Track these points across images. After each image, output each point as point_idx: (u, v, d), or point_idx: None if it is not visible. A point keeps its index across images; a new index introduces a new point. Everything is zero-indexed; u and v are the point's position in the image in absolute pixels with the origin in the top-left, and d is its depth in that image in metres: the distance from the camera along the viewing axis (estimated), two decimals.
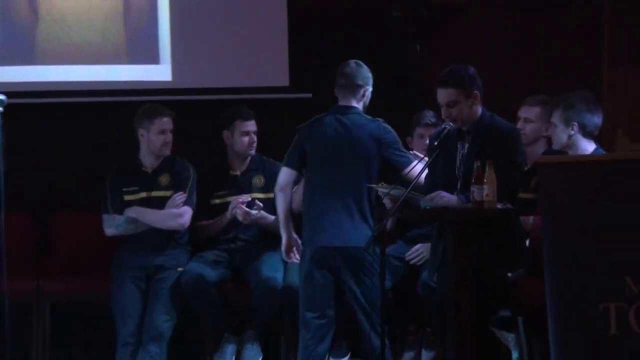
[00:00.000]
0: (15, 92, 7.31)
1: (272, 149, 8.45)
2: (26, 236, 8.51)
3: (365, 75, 7.65)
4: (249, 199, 8.26)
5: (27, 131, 8.24)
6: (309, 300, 7.61)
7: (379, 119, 7.66)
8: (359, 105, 7.65)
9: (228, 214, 8.25)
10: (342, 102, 7.68)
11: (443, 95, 6.93)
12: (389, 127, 7.68)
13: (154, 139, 8.15)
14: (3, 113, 6.56)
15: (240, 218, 8.18)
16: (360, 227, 7.56)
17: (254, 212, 8.12)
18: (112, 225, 8.17)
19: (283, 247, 7.73)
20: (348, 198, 7.59)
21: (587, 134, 7.01)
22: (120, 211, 8.16)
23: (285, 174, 7.65)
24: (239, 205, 8.17)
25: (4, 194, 6.50)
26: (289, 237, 7.69)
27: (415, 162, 7.38)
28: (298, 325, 7.98)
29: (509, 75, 8.48)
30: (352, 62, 7.68)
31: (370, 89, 7.63)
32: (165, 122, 8.15)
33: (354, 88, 7.63)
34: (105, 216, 8.18)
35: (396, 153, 7.59)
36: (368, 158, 7.60)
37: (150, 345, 7.92)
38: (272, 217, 8.19)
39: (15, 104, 6.79)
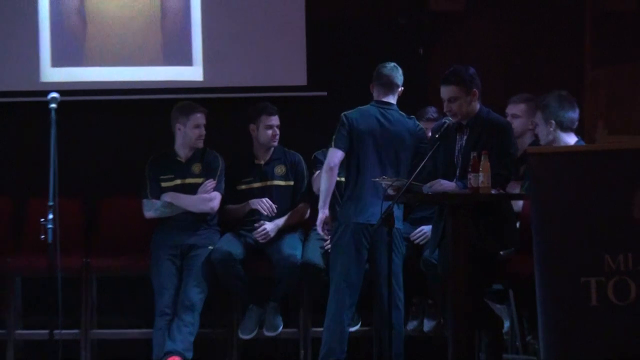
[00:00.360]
0: (66, 90, 7.35)
1: (291, 142, 8.47)
2: (76, 218, 8.49)
3: (401, 77, 7.66)
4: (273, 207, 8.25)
5: (76, 125, 8.26)
6: (346, 272, 7.52)
7: (412, 116, 7.70)
8: (395, 102, 7.66)
9: (252, 205, 8.24)
10: (382, 98, 7.64)
11: (445, 91, 6.96)
12: (419, 124, 7.73)
13: (190, 133, 8.18)
14: (57, 109, 6.60)
15: (264, 212, 8.20)
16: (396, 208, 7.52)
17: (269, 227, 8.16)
18: (151, 209, 8.21)
19: (319, 222, 7.57)
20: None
21: (566, 129, 7.05)
22: (157, 196, 8.19)
23: (336, 155, 7.48)
24: (264, 204, 8.21)
25: (57, 181, 6.60)
26: (326, 214, 7.56)
27: None
28: (314, 296, 8.11)
29: (500, 75, 8.47)
30: (391, 64, 7.68)
31: (402, 89, 7.65)
32: (200, 118, 8.18)
33: (393, 87, 7.64)
34: (144, 201, 8.21)
35: (425, 147, 7.55)
36: (405, 149, 7.60)
37: (184, 315, 7.93)
38: (282, 220, 8.25)
39: (67, 101, 6.85)
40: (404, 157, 7.63)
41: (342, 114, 7.56)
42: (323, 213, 7.57)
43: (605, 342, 5.78)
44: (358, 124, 7.53)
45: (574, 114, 7.09)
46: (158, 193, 8.20)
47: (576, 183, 6.02)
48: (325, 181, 7.53)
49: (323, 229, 7.60)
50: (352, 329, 7.96)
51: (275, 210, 8.23)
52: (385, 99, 7.66)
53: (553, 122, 7.01)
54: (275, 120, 8.31)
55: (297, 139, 8.54)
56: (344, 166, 7.63)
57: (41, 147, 6.74)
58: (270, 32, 9.04)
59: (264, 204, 8.22)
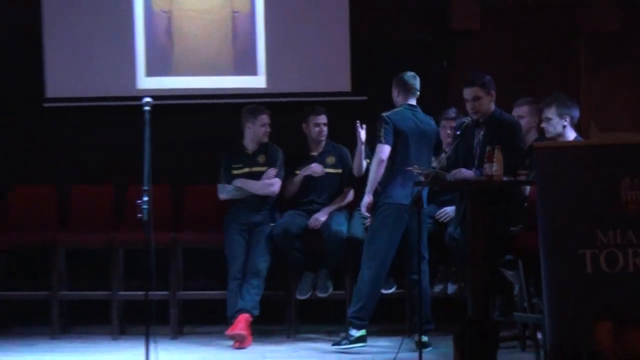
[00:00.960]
0: (157, 95, 7.33)
1: (338, 137, 8.49)
2: (166, 201, 8.56)
3: (419, 84, 7.70)
4: (321, 168, 8.29)
5: (165, 125, 8.27)
6: (387, 244, 7.56)
7: (429, 115, 7.77)
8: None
9: (305, 172, 8.26)
10: (410, 102, 7.66)
11: (469, 92, 7.01)
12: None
13: (257, 130, 8.23)
14: (150, 111, 6.62)
15: (316, 175, 8.24)
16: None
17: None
18: (224, 192, 8.25)
19: (365, 204, 7.57)
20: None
21: (573, 125, 7.07)
22: (229, 182, 8.23)
23: (386, 150, 7.46)
24: (313, 168, 8.23)
25: (150, 170, 6.66)
26: (371, 198, 7.56)
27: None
28: (357, 264, 7.98)
29: (508, 81, 8.40)
30: (411, 73, 7.71)
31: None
32: (265, 118, 8.23)
33: (415, 92, 7.66)
34: (219, 185, 8.25)
35: (438, 142, 7.73)
36: (430, 144, 7.70)
37: (252, 279, 8.00)
38: (331, 208, 8.27)
39: (158, 105, 6.80)
40: (429, 150, 7.70)
41: (384, 115, 7.57)
42: (369, 197, 7.57)
43: (597, 302, 5.75)
44: (398, 123, 7.54)
45: (577, 113, 7.12)
46: (230, 179, 8.23)
47: (574, 172, 5.98)
48: (375, 171, 7.53)
49: (368, 210, 7.62)
50: (388, 292, 8.02)
51: (323, 170, 8.26)
52: (412, 102, 7.68)
53: (568, 117, 7.01)
54: (322, 119, 8.32)
55: (343, 135, 8.54)
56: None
57: (137, 143, 6.72)
58: (320, 47, 9.04)
59: (314, 168, 8.26)
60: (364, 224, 7.95)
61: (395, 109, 7.68)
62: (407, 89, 7.70)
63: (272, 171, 8.25)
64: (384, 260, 7.61)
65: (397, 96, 7.75)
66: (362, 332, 7.61)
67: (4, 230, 8.58)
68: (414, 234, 7.49)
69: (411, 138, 7.58)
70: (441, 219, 7.98)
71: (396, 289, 8.12)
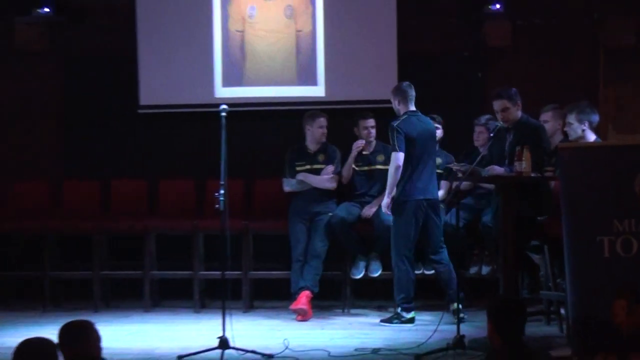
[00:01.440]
0: (232, 103, 7.34)
1: (387, 138, 8.34)
2: (239, 193, 8.48)
3: (415, 92, 7.66)
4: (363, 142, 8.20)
5: (239, 128, 8.24)
6: (414, 236, 7.53)
7: (428, 116, 7.77)
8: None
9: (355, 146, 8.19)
10: (412, 108, 7.58)
11: (498, 104, 6.96)
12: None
13: (316, 132, 8.21)
14: (225, 117, 6.68)
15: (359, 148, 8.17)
16: (436, 187, 7.64)
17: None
18: (288, 185, 8.24)
19: (386, 204, 7.50)
20: (432, 168, 7.62)
21: (592, 128, 7.01)
22: (293, 176, 8.22)
23: (402, 157, 7.41)
24: (357, 144, 8.17)
25: (226, 167, 6.68)
26: (390, 199, 7.53)
27: None
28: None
29: (536, 91, 8.36)
30: (408, 83, 7.66)
31: None
32: (322, 121, 8.20)
33: (413, 99, 7.60)
34: (284, 179, 8.25)
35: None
36: (435, 142, 7.70)
37: (312, 261, 7.99)
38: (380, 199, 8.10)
39: (232, 111, 6.86)
40: (434, 147, 7.70)
41: (395, 125, 7.48)
42: (389, 199, 7.51)
43: (613, 282, 5.68)
44: (408, 130, 7.47)
45: (597, 118, 7.07)
46: (294, 174, 8.22)
47: (593, 169, 5.96)
48: (394, 176, 7.45)
49: (389, 209, 7.54)
50: (430, 272, 7.96)
51: (363, 142, 8.15)
52: (414, 108, 7.60)
53: (587, 122, 6.96)
54: (369, 122, 8.23)
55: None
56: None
57: (214, 144, 6.77)
58: (371, 61, 8.97)
59: (357, 144, 8.18)
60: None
61: (402, 118, 7.56)
62: (406, 97, 7.61)
63: (330, 168, 8.22)
64: (412, 251, 7.58)
65: (397, 105, 7.63)
66: (412, 314, 7.58)
67: (105, 218, 8.66)
68: (438, 225, 7.53)
69: (419, 141, 7.51)
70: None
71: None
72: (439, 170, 7.99)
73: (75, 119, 9.30)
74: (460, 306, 6.89)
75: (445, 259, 7.59)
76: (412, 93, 7.60)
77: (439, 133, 8.14)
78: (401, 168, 7.46)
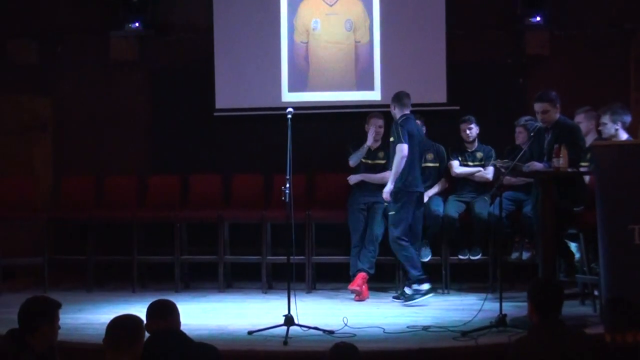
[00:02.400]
0: (297, 107, 7.35)
1: (437, 137, 8.38)
2: (302, 186, 8.43)
3: (410, 99, 7.76)
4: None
5: (303, 129, 8.15)
6: (410, 221, 7.59)
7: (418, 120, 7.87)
8: None
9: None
10: (406, 112, 7.65)
11: (539, 106, 6.84)
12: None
13: (374, 132, 8.13)
14: (291, 119, 6.68)
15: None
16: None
17: None
18: (353, 159, 8.09)
19: (389, 191, 7.51)
20: (421, 164, 7.73)
21: (624, 128, 6.88)
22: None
23: (406, 148, 7.51)
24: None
25: (291, 163, 6.67)
26: (392, 187, 7.54)
27: None
28: (450, 236, 7.99)
29: (572, 94, 8.19)
30: (405, 92, 7.75)
31: None
32: (378, 122, 8.12)
33: (409, 105, 7.72)
34: (350, 157, 8.11)
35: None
36: (424, 144, 7.79)
37: (370, 246, 7.93)
38: (431, 192, 8.11)
39: (297, 114, 6.87)
40: (422, 147, 7.78)
41: (398, 123, 7.55)
42: (392, 186, 7.52)
43: None
44: (409, 127, 7.55)
45: (629, 119, 6.94)
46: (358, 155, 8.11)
47: (625, 164, 5.90)
48: (398, 165, 7.48)
49: (391, 196, 7.55)
50: (475, 257, 7.97)
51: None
52: (408, 112, 7.64)
53: (620, 122, 6.83)
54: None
55: (440, 136, 8.45)
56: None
57: (281, 143, 6.76)
58: (423, 68, 8.90)
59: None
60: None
61: (402, 118, 7.63)
62: (403, 104, 7.69)
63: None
64: (414, 234, 7.64)
65: (394, 109, 7.72)
66: (428, 285, 7.54)
67: (185, 208, 8.69)
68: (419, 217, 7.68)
69: (415, 139, 7.58)
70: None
71: (481, 256, 8.00)
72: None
73: (160, 121, 9.38)
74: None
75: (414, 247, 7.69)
76: (407, 101, 7.68)
77: (475, 130, 8.17)
78: (405, 158, 7.51)
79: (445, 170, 8.33)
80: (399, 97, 7.73)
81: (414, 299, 7.49)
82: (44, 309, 4.41)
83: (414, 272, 7.56)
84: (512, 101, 8.83)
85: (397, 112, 7.70)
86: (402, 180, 7.57)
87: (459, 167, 8.23)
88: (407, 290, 7.62)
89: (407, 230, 7.61)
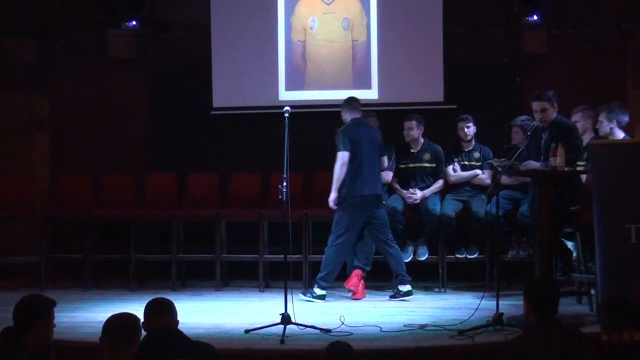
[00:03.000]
0: (294, 105, 7.33)
1: (433, 137, 8.36)
2: (299, 186, 8.38)
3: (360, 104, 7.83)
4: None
5: (300, 128, 8.06)
6: (354, 228, 7.60)
7: (373, 127, 7.86)
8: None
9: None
10: (356, 116, 7.70)
11: (538, 105, 6.80)
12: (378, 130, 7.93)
13: None
14: (288, 117, 6.66)
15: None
16: (378, 183, 7.72)
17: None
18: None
19: (333, 199, 7.51)
20: (372, 167, 7.69)
21: (620, 127, 6.88)
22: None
23: (346, 156, 7.53)
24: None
25: (288, 162, 6.67)
26: (336, 194, 7.56)
27: None
28: (447, 236, 7.98)
29: (569, 93, 8.17)
30: (354, 97, 7.86)
31: None
32: (372, 120, 8.07)
33: (359, 109, 7.77)
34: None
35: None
36: (377, 145, 7.77)
37: (367, 242, 7.83)
38: (428, 191, 8.08)
39: (294, 112, 6.85)
40: (376, 150, 7.73)
41: (340, 130, 7.61)
42: (335, 194, 7.49)
43: (639, 266, 5.61)
44: (352, 134, 7.59)
45: (626, 118, 6.95)
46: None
47: (621, 163, 5.85)
48: (339, 173, 7.47)
49: (335, 203, 7.55)
50: (472, 257, 7.97)
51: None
52: (356, 116, 7.67)
53: (615, 121, 6.85)
54: (407, 124, 8.19)
55: (437, 135, 8.44)
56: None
57: (278, 141, 6.74)
58: (420, 67, 8.91)
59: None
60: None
61: (347, 124, 7.66)
62: (352, 107, 7.75)
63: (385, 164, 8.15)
64: (348, 239, 7.61)
65: (345, 114, 7.75)
66: (324, 292, 7.60)
67: (182, 207, 8.68)
68: (378, 217, 7.60)
69: (363, 144, 7.57)
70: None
71: (478, 254, 7.99)
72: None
73: (158, 120, 9.37)
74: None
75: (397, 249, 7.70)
76: (356, 104, 7.74)
77: (472, 129, 8.12)
78: (346, 166, 7.52)
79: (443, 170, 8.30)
80: (348, 102, 7.78)
81: (305, 295, 7.57)
82: (40, 307, 4.40)
83: (321, 272, 7.64)
84: (509, 100, 8.82)
85: (347, 117, 7.72)
86: (348, 186, 7.57)
87: (455, 175, 8.21)
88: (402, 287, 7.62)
89: (346, 235, 7.58)
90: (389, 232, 7.69)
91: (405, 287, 7.62)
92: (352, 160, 7.58)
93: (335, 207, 7.60)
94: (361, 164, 7.58)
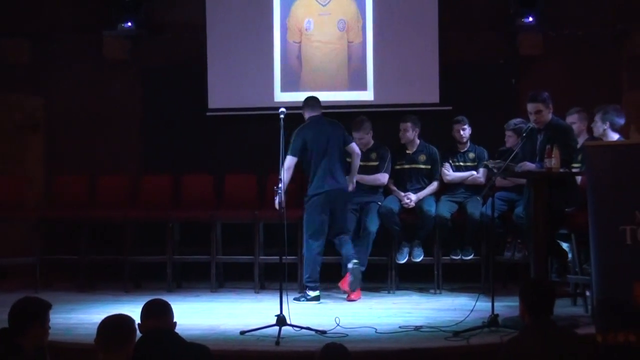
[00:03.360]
0: (289, 106, 7.30)
1: (429, 138, 8.37)
2: (294, 187, 8.11)
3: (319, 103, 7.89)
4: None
5: (295, 129, 8.20)
6: (323, 223, 7.63)
7: (334, 120, 7.88)
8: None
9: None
10: (315, 114, 7.77)
11: (532, 107, 6.81)
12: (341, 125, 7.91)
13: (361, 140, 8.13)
14: (284, 118, 6.65)
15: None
16: (339, 178, 7.73)
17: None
18: None
19: (280, 201, 6.92)
20: (332, 164, 7.71)
21: (614, 129, 6.90)
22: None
23: (290, 160, 7.55)
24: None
25: (283, 162, 6.67)
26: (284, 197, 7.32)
27: None
28: (442, 237, 7.99)
29: (564, 95, 8.20)
30: (314, 96, 7.90)
31: None
32: (367, 127, 8.14)
33: (317, 107, 7.82)
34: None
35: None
36: (338, 141, 7.78)
37: (364, 239, 7.92)
38: (422, 193, 8.10)
39: (290, 113, 6.85)
40: (338, 145, 7.73)
41: (295, 131, 7.60)
42: (284, 196, 7.14)
43: (634, 267, 5.60)
44: (305, 135, 7.62)
45: (621, 120, 6.99)
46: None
47: (616, 164, 5.83)
48: (286, 176, 7.28)
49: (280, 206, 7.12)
50: (467, 258, 7.97)
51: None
52: (315, 114, 7.74)
53: (608, 122, 6.88)
54: (402, 126, 8.19)
55: (432, 136, 8.44)
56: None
57: (274, 142, 6.77)
58: (415, 68, 8.90)
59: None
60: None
61: (303, 124, 7.72)
62: (310, 105, 7.79)
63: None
64: (319, 237, 7.65)
65: (305, 113, 7.81)
66: (317, 292, 7.62)
67: (177, 208, 8.67)
68: (343, 211, 7.69)
69: (319, 142, 7.63)
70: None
71: (473, 256, 8.00)
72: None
73: (153, 121, 9.36)
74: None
75: (344, 244, 7.70)
76: (313, 103, 7.80)
77: (468, 131, 8.16)
78: (291, 169, 7.53)
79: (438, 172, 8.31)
80: (306, 100, 7.86)
81: (300, 301, 7.57)
82: (35, 310, 4.39)
83: (305, 275, 7.67)
84: (505, 102, 8.83)
85: (306, 115, 7.80)
86: (310, 186, 7.67)
87: (451, 174, 8.22)
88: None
89: (317, 232, 7.65)
90: (344, 235, 7.77)
91: (312, 292, 7.66)
92: (308, 161, 7.65)
93: (282, 210, 7.11)
94: (317, 163, 7.64)
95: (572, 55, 8.93)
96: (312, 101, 7.84)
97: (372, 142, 8.23)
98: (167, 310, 4.43)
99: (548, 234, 6.56)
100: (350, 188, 7.86)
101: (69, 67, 9.38)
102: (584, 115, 7.44)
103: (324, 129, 7.73)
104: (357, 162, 7.89)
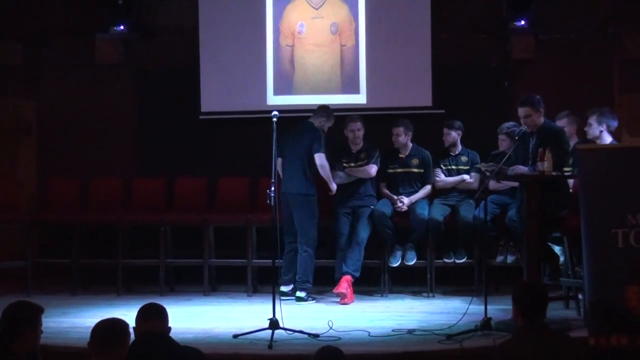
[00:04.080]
0: (282, 110, 7.32)
1: (422, 142, 8.37)
2: None
3: None
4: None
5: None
6: (288, 226, 7.80)
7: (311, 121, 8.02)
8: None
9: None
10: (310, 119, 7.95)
11: (522, 111, 6.83)
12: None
13: (348, 134, 8.20)
14: (276, 122, 6.67)
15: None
16: (298, 181, 7.85)
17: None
18: (337, 178, 8.07)
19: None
20: (295, 167, 7.87)
21: (609, 131, 6.92)
22: (341, 169, 8.14)
23: (279, 162, 7.72)
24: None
25: (276, 166, 6.65)
26: None
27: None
28: (436, 240, 7.99)
29: (556, 98, 8.22)
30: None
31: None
32: (357, 125, 8.12)
33: None
34: (334, 172, 8.10)
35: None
36: (305, 140, 7.91)
37: (355, 247, 7.90)
38: (415, 197, 8.11)
39: (282, 117, 6.86)
40: (304, 143, 7.84)
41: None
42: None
43: (627, 270, 5.62)
44: (282, 139, 7.51)
45: (615, 123, 7.02)
46: (341, 166, 8.13)
47: (608, 168, 5.86)
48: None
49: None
50: (461, 261, 7.97)
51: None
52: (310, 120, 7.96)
53: (605, 125, 6.90)
54: (395, 131, 8.19)
55: (425, 140, 8.45)
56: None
57: (266, 145, 6.77)
58: (408, 72, 8.92)
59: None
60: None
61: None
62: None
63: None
64: (286, 236, 7.83)
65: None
66: (286, 289, 7.78)
67: (170, 211, 8.66)
68: (296, 217, 7.79)
69: (287, 146, 7.82)
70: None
71: (466, 259, 8.00)
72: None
73: (146, 124, 9.35)
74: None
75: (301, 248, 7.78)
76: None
77: (452, 136, 8.18)
78: (280, 171, 7.74)
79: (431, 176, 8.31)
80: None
81: (308, 301, 7.75)
82: (27, 314, 4.38)
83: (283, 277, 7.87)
84: (497, 105, 8.85)
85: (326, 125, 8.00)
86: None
87: (442, 179, 8.22)
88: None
89: (287, 235, 7.83)
90: (299, 242, 7.81)
91: (302, 294, 7.76)
92: (283, 160, 7.86)
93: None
94: (285, 164, 7.84)
95: (564, 59, 8.96)
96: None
97: (362, 143, 8.22)
98: (163, 314, 4.43)
99: (541, 237, 6.56)
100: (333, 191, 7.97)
101: (61, 70, 9.38)
102: (573, 119, 7.48)
103: (295, 133, 7.91)
104: (322, 173, 7.91)
